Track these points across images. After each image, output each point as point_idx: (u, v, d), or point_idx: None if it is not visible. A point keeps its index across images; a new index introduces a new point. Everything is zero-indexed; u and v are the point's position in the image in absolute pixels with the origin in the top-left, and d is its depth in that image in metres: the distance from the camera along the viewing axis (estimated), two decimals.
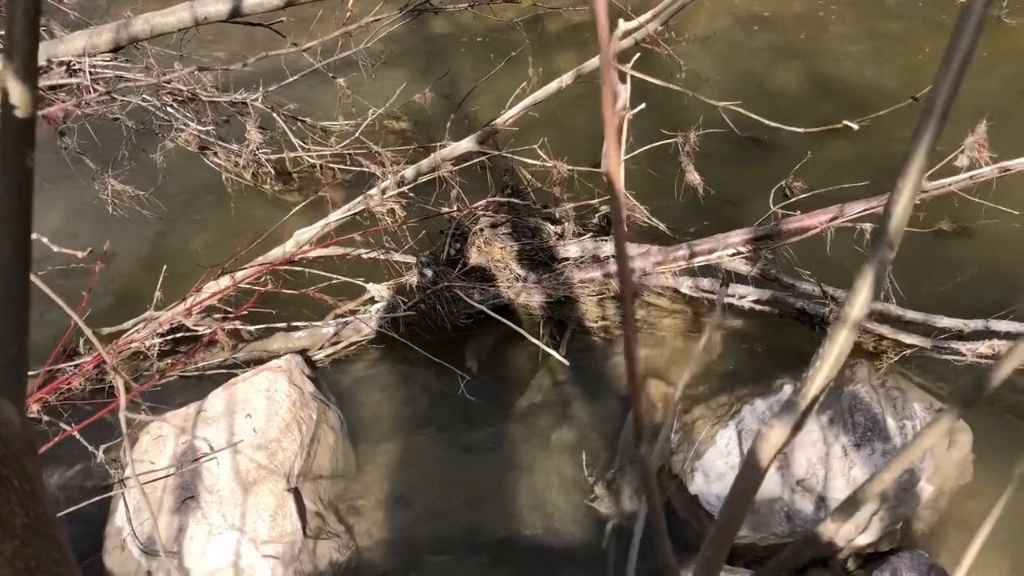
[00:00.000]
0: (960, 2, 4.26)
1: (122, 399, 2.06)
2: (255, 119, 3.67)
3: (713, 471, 2.59)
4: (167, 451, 2.73)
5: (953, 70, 0.41)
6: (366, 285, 3.22)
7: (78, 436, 2.52)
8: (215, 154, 3.71)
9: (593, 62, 3.52)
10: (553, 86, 3.48)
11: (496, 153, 3.58)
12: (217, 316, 3.09)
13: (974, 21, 0.41)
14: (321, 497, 2.81)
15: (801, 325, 3.00)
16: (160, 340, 3.05)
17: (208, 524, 2.58)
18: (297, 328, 3.20)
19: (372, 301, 3.25)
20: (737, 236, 3.05)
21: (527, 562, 2.72)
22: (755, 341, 3.12)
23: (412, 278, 3.18)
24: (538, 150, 3.43)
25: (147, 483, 2.44)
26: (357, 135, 3.78)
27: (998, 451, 2.69)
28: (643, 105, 3.49)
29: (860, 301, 0.40)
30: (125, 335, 3.05)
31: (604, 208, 3.36)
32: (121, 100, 3.47)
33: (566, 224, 3.29)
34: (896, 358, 2.85)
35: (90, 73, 3.42)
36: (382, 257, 3.23)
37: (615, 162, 0.33)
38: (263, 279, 3.14)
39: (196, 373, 3.12)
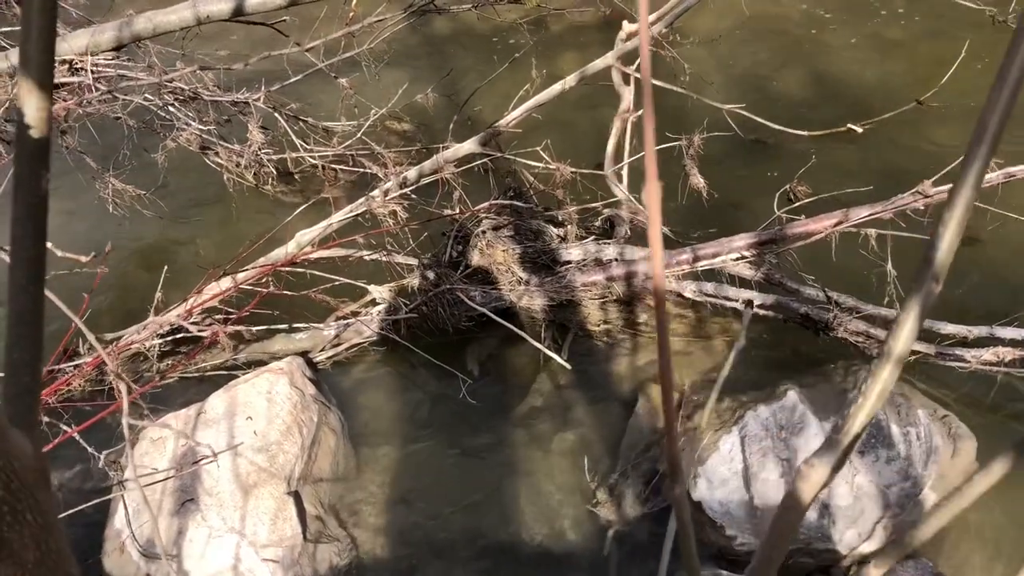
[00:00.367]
0: (963, 4, 4.25)
1: (125, 404, 2.04)
2: (257, 119, 3.65)
3: (716, 477, 2.58)
4: (167, 453, 2.71)
5: (1007, 91, 0.39)
6: (368, 287, 3.21)
7: (78, 438, 2.50)
8: (216, 154, 3.69)
9: (597, 63, 3.51)
10: (556, 88, 3.47)
11: (499, 155, 3.57)
12: (218, 317, 3.07)
13: None
14: (321, 500, 2.79)
15: (805, 331, 2.98)
16: (161, 341, 3.04)
17: (208, 527, 2.57)
18: (298, 330, 3.19)
19: (373, 303, 3.23)
20: (741, 240, 3.03)
21: (528, 567, 2.71)
22: (759, 346, 3.11)
23: (414, 280, 3.16)
24: (541, 152, 3.41)
25: (147, 485, 2.43)
26: (359, 136, 3.77)
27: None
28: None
29: (904, 335, 0.38)
30: (126, 336, 3.03)
31: (607, 211, 3.34)
32: (123, 99, 3.45)
33: (569, 227, 3.27)
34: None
35: (92, 72, 3.40)
36: (384, 259, 3.22)
37: (654, 191, 0.32)
38: (264, 280, 3.12)
39: (196, 374, 3.11)
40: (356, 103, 3.91)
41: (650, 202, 0.31)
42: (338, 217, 3.31)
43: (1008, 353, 2.74)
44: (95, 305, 3.03)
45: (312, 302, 3.14)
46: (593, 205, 3.36)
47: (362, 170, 3.73)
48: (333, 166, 3.78)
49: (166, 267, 3.16)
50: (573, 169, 3.38)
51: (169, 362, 3.10)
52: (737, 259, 3.05)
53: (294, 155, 3.74)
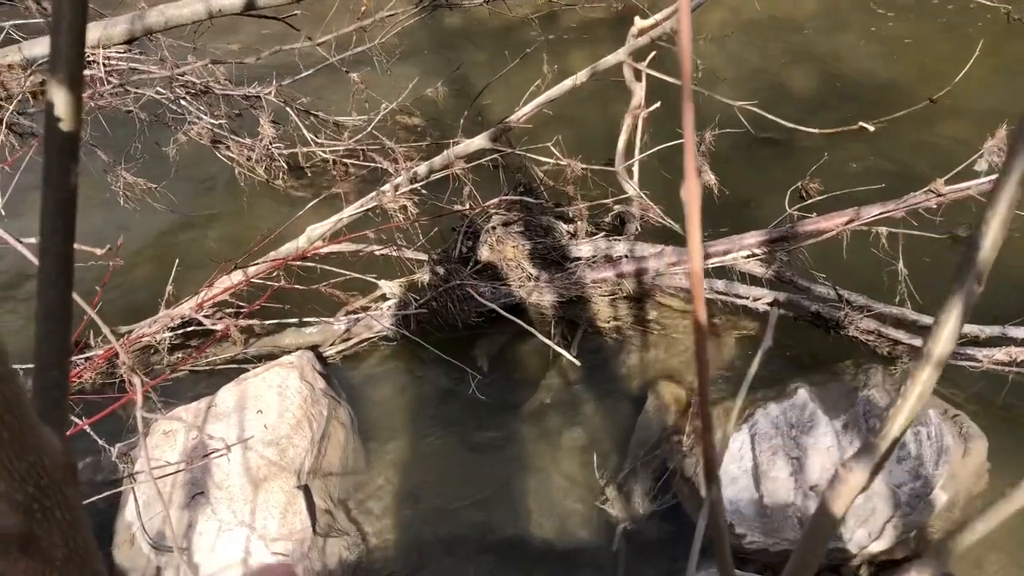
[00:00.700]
0: (978, 1, 4.22)
1: (139, 396, 2.05)
2: (268, 113, 3.66)
3: (726, 475, 2.57)
4: (178, 446, 2.72)
5: None
6: (378, 282, 3.21)
7: (89, 431, 2.51)
8: (228, 148, 3.70)
9: (609, 59, 3.49)
10: (568, 83, 3.46)
11: (509, 151, 3.56)
12: (229, 311, 3.08)
13: None
14: (331, 494, 2.80)
15: (816, 329, 2.97)
16: (171, 335, 3.05)
17: (218, 520, 2.57)
18: (309, 324, 3.19)
19: (384, 298, 3.23)
20: (752, 238, 3.03)
21: (536, 563, 2.71)
22: (767, 349, 3.09)
23: (424, 276, 3.16)
24: (552, 148, 3.40)
25: (159, 478, 2.43)
26: (370, 130, 3.76)
27: (1014, 459, 2.67)
28: (658, 104, 3.49)
29: (945, 336, 0.38)
30: (137, 329, 3.04)
31: (618, 208, 3.34)
32: (135, 92, 3.46)
33: (579, 223, 3.27)
34: (910, 365, 2.82)
35: (104, 65, 3.41)
36: (394, 254, 3.22)
37: (694, 188, 0.31)
38: (275, 275, 3.13)
39: (207, 368, 3.11)
40: (367, 98, 3.91)
41: (690, 198, 0.30)
42: (349, 212, 3.31)
43: (1020, 353, 2.72)
44: (105, 298, 3.03)
45: (322, 296, 3.14)
46: (604, 201, 3.36)
47: (373, 165, 3.73)
48: (344, 161, 3.78)
49: (177, 261, 3.16)
50: (584, 165, 3.38)
51: (180, 355, 3.11)
52: (748, 256, 3.04)
53: (305, 149, 3.74)
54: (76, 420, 2.55)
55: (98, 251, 2.28)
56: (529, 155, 3.50)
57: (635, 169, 3.43)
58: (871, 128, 3.54)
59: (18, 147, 3.36)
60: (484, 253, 3.16)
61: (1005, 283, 3.14)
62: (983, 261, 0.36)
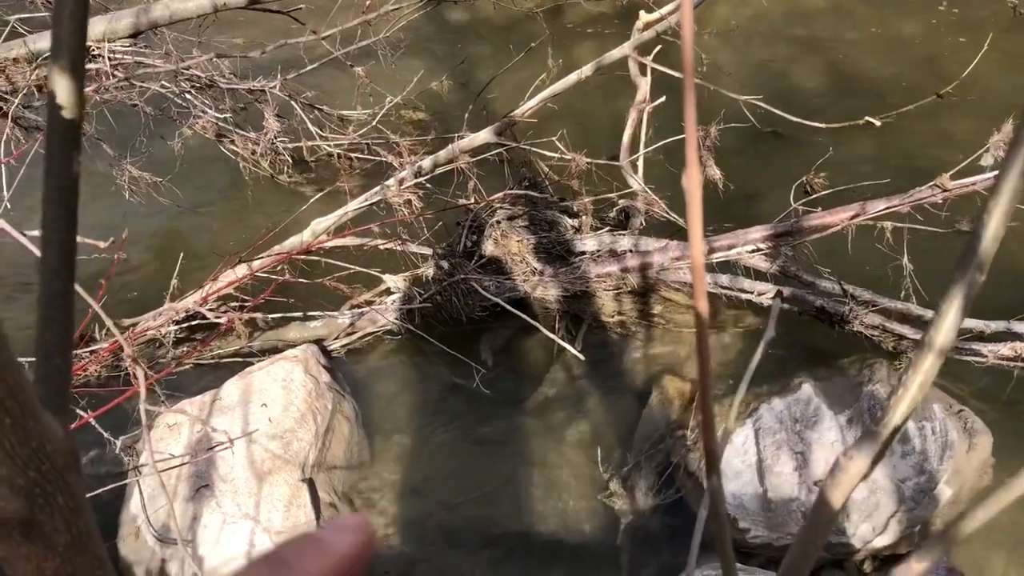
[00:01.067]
0: None
1: (142, 389, 2.05)
2: (273, 107, 3.66)
3: (730, 469, 2.57)
4: (182, 439, 2.73)
5: None
6: (382, 276, 3.21)
7: (94, 423, 2.51)
8: (232, 142, 3.70)
9: (614, 53, 3.49)
10: (572, 77, 3.46)
11: (514, 145, 3.56)
12: (233, 305, 3.08)
13: None
14: (335, 488, 2.80)
15: (820, 323, 2.97)
16: (176, 328, 3.05)
17: (222, 513, 2.58)
18: (313, 318, 3.20)
19: (388, 292, 3.24)
20: (757, 232, 3.02)
21: (540, 557, 2.71)
22: (773, 339, 3.09)
23: (428, 270, 3.16)
24: (556, 142, 3.40)
25: (163, 471, 2.44)
26: (375, 124, 3.77)
27: (1018, 454, 2.66)
28: (663, 98, 3.48)
29: (946, 326, 0.38)
30: (142, 322, 3.05)
31: (622, 202, 3.33)
32: (140, 86, 3.46)
33: (583, 218, 3.26)
34: (912, 357, 2.82)
35: (109, 59, 3.41)
36: (398, 248, 3.22)
37: (695, 177, 0.31)
38: (280, 268, 3.13)
39: (212, 361, 3.12)
40: (372, 92, 3.91)
41: (691, 187, 0.30)
42: (353, 206, 3.32)
43: None
44: (109, 292, 3.04)
45: (327, 290, 3.14)
46: (608, 196, 3.36)
47: (377, 159, 3.73)
48: (348, 155, 3.78)
49: (182, 254, 3.17)
50: (588, 159, 3.37)
51: (184, 349, 3.12)
52: (752, 251, 3.04)
53: (310, 143, 3.75)
54: (81, 413, 2.56)
55: (102, 244, 2.28)
56: (534, 149, 3.49)
57: (640, 163, 3.42)
58: (877, 123, 3.54)
59: (23, 141, 3.37)
60: (488, 247, 3.16)
61: (1010, 279, 3.14)
62: (985, 251, 0.36)
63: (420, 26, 4.65)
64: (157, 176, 3.56)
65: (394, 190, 3.27)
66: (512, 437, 3.00)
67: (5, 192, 2.89)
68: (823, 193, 3.24)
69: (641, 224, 3.24)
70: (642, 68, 3.63)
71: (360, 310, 3.19)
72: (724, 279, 3.06)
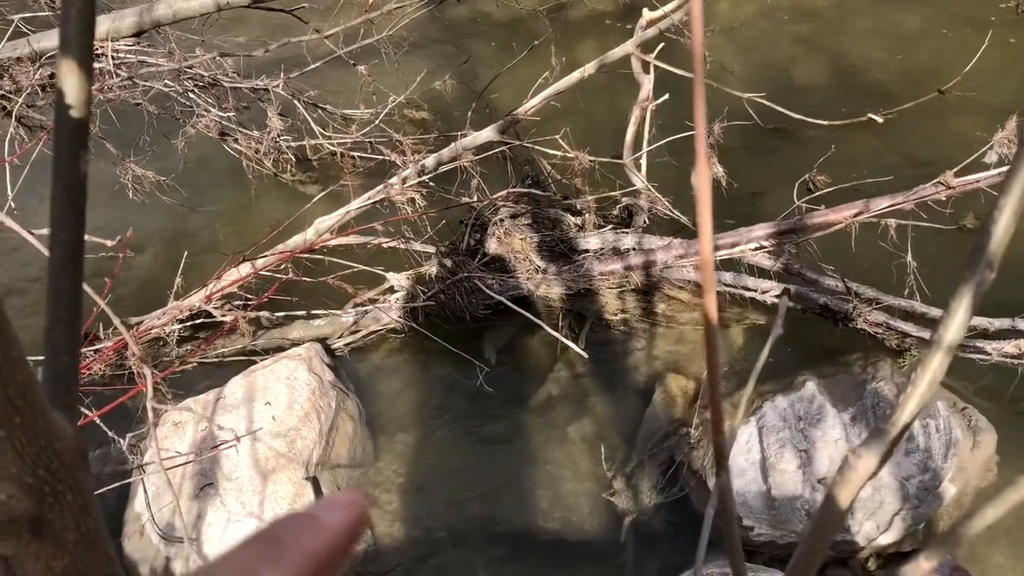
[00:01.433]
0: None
1: (149, 387, 2.06)
2: (276, 106, 3.67)
3: (734, 467, 2.58)
4: (187, 438, 2.73)
5: None
6: (386, 274, 3.21)
7: (99, 422, 2.52)
8: (236, 141, 3.71)
9: (617, 51, 3.49)
10: (576, 76, 3.45)
11: (517, 143, 3.55)
12: (237, 303, 3.09)
13: None
14: (339, 486, 2.81)
15: (824, 321, 2.97)
16: (180, 327, 3.06)
17: (227, 511, 2.58)
18: (317, 316, 3.20)
19: (391, 290, 3.24)
20: (760, 230, 3.02)
21: (544, 555, 2.71)
22: (777, 337, 3.09)
23: (432, 268, 3.17)
24: (559, 140, 3.40)
25: (168, 469, 2.45)
26: (377, 123, 3.77)
27: (1023, 451, 2.66)
28: (666, 96, 3.48)
29: (956, 323, 0.38)
30: (146, 321, 3.05)
31: (625, 200, 3.33)
32: (143, 85, 3.46)
33: (587, 215, 3.26)
34: (920, 355, 2.82)
35: (113, 58, 3.42)
36: (402, 246, 3.22)
37: (704, 174, 0.31)
38: (283, 267, 3.13)
39: (216, 360, 3.13)
40: (374, 90, 3.91)
41: (701, 184, 0.30)
42: (356, 204, 3.32)
43: None
44: (114, 290, 3.05)
45: (330, 289, 3.15)
46: (611, 194, 3.35)
47: (380, 157, 3.73)
48: (351, 153, 3.78)
49: (186, 253, 3.17)
50: (591, 158, 3.37)
51: (188, 347, 3.12)
52: (756, 249, 3.03)
53: (313, 142, 3.75)
54: (86, 411, 2.56)
55: (108, 243, 2.29)
56: (537, 147, 3.49)
57: (643, 161, 3.42)
58: (880, 120, 3.53)
59: (27, 140, 3.37)
60: (492, 246, 3.16)
61: (1014, 276, 3.13)
62: (994, 248, 0.36)
63: (423, 25, 4.65)
64: (161, 175, 3.57)
65: (397, 188, 3.27)
66: (515, 435, 3.00)
67: (10, 191, 2.89)
68: (826, 191, 3.24)
69: (644, 222, 3.24)
70: (645, 66, 3.62)
71: (364, 308, 3.19)
72: (728, 277, 3.06)
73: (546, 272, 3.11)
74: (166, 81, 3.53)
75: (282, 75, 3.69)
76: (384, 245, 3.24)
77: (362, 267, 3.16)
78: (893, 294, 2.89)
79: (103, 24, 3.52)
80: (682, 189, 3.44)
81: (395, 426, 3.05)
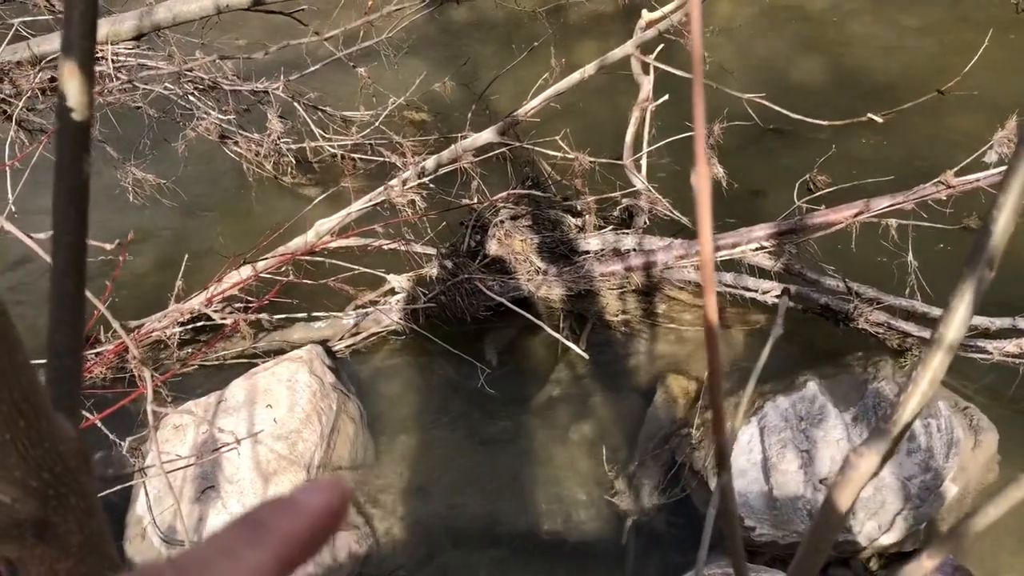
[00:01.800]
0: None
1: (149, 390, 2.06)
2: (276, 108, 3.67)
3: (735, 468, 2.57)
4: (188, 440, 2.73)
5: None
6: (386, 276, 3.21)
7: (100, 425, 2.52)
8: (236, 143, 3.71)
9: (616, 52, 3.49)
10: (576, 77, 3.45)
11: (517, 144, 3.56)
12: (238, 306, 3.09)
13: None
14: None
15: (825, 321, 2.97)
16: (181, 330, 3.06)
17: (228, 514, 2.58)
18: (318, 318, 3.20)
19: (392, 292, 3.24)
20: (761, 230, 3.02)
21: (545, 556, 2.71)
22: (778, 337, 3.09)
23: (432, 270, 3.17)
24: (559, 141, 3.40)
25: (169, 472, 2.45)
26: (377, 125, 3.77)
27: None
28: (666, 97, 3.48)
29: (956, 322, 0.38)
30: (147, 324, 3.05)
31: (626, 201, 3.33)
32: (143, 88, 3.47)
33: (587, 217, 3.27)
34: (921, 355, 2.81)
35: (112, 61, 3.42)
36: (402, 248, 3.22)
37: (704, 174, 0.31)
38: (284, 269, 3.14)
39: (217, 363, 3.13)
40: (374, 92, 3.91)
41: (700, 185, 0.30)
42: (357, 206, 3.32)
43: None
44: (115, 294, 3.05)
45: (331, 291, 3.15)
46: (612, 195, 3.36)
47: (380, 159, 3.74)
48: (352, 155, 3.78)
49: (186, 256, 3.17)
50: (591, 159, 3.37)
51: (189, 350, 3.12)
52: (756, 249, 3.03)
53: (313, 144, 3.75)
54: (87, 415, 2.56)
55: (108, 246, 2.29)
56: (537, 149, 3.49)
57: (643, 162, 3.42)
58: (880, 120, 3.53)
59: (28, 144, 3.38)
60: (492, 247, 3.16)
61: (1015, 275, 3.13)
62: (994, 246, 0.36)
63: (422, 27, 4.66)
64: (161, 178, 3.57)
65: (397, 190, 3.27)
66: (517, 436, 3.00)
67: (10, 195, 2.89)
68: (826, 191, 3.24)
69: (645, 223, 3.24)
70: (645, 67, 3.63)
71: (364, 310, 3.19)
72: (728, 277, 3.06)
73: (547, 273, 3.11)
74: (166, 84, 3.54)
75: (282, 77, 3.69)
76: (385, 247, 3.24)
77: (363, 269, 3.16)
78: (894, 294, 2.89)
79: (103, 27, 3.52)
80: (682, 190, 3.44)
81: (396, 428, 3.05)
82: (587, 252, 3.18)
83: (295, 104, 3.72)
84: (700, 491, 2.71)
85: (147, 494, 2.61)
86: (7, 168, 2.99)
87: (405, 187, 3.28)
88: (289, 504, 0.34)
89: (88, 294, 2.26)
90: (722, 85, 3.50)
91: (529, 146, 3.52)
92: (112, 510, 2.71)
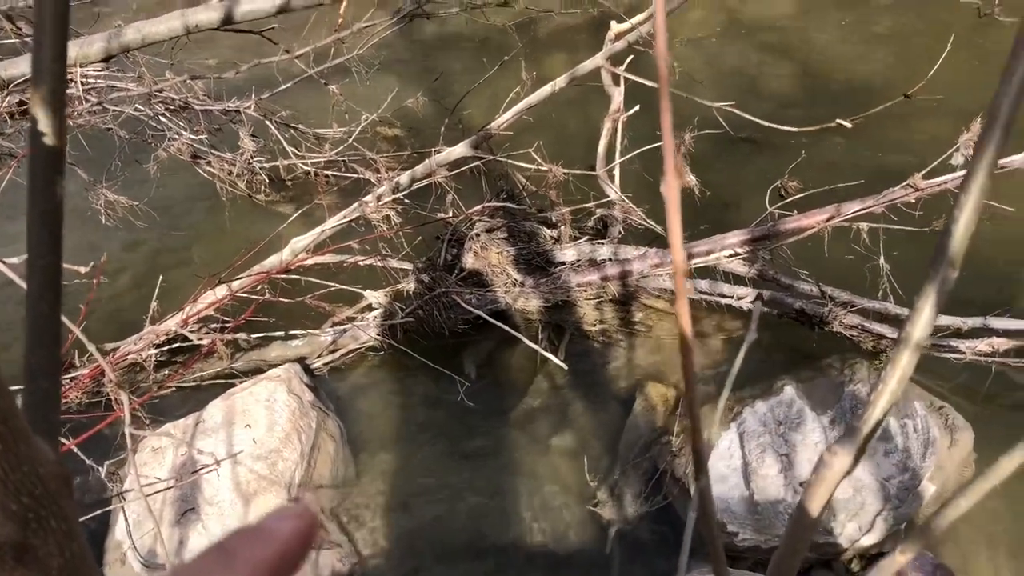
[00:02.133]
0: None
1: (127, 413, 2.04)
2: (248, 127, 3.66)
3: (715, 473, 2.59)
4: (166, 463, 2.71)
5: (1018, 77, 0.39)
6: (363, 292, 3.21)
7: (76, 451, 2.49)
8: (208, 163, 3.69)
9: (587, 65, 3.51)
10: (547, 89, 3.47)
11: (491, 158, 3.57)
12: (214, 326, 3.07)
13: None
14: (322, 506, 2.79)
15: (800, 325, 2.99)
16: (157, 352, 3.03)
17: (209, 536, 2.56)
18: (295, 337, 3.19)
19: (369, 308, 3.23)
20: (734, 237, 3.04)
21: (529, 568, 2.71)
22: (754, 342, 3.11)
23: (409, 284, 3.17)
24: (533, 154, 3.41)
25: (148, 495, 2.42)
26: (351, 142, 3.77)
27: (999, 448, 2.67)
28: (637, 107, 3.51)
29: (922, 321, 0.39)
30: (122, 347, 3.03)
31: (600, 211, 3.35)
32: (113, 110, 3.45)
33: (562, 228, 3.28)
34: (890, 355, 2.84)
35: (82, 83, 3.40)
36: (379, 264, 3.22)
37: (673, 183, 0.32)
38: (260, 288, 3.12)
39: (194, 384, 3.10)
40: (347, 109, 3.91)
41: (670, 195, 0.31)
42: (332, 223, 3.31)
43: (1002, 343, 2.75)
44: (89, 317, 3.02)
45: (308, 309, 3.13)
46: (586, 205, 3.37)
47: (354, 176, 3.73)
48: (325, 173, 3.78)
49: (161, 277, 3.15)
50: (565, 170, 3.39)
51: (166, 372, 3.10)
52: (731, 256, 3.06)
53: (286, 162, 3.74)
54: (63, 440, 2.53)
55: (82, 269, 2.27)
56: (511, 162, 3.51)
57: (616, 173, 3.45)
58: (848, 125, 3.58)
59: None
60: (469, 260, 3.16)
61: (986, 275, 3.18)
62: (956, 248, 0.37)
63: (393, 43, 4.66)
64: (133, 200, 3.55)
65: (372, 206, 3.27)
66: (498, 449, 3.00)
67: None
68: (798, 196, 3.27)
69: (620, 233, 3.26)
70: (615, 78, 3.65)
71: (342, 327, 3.18)
72: (703, 284, 3.08)
73: (524, 285, 3.11)
74: (136, 105, 3.52)
75: (253, 96, 3.69)
76: (361, 263, 3.24)
77: (339, 286, 3.15)
78: (867, 296, 2.92)
79: (72, 50, 3.50)
80: (656, 199, 3.46)
81: (377, 444, 3.04)
82: (563, 263, 3.19)
83: (267, 122, 3.71)
84: (682, 498, 2.72)
85: (126, 518, 2.59)
86: None
87: (380, 203, 3.28)
88: (258, 532, 0.34)
89: (63, 318, 2.23)
90: (692, 94, 3.53)
91: (503, 159, 3.53)
92: (91, 536, 2.68)
